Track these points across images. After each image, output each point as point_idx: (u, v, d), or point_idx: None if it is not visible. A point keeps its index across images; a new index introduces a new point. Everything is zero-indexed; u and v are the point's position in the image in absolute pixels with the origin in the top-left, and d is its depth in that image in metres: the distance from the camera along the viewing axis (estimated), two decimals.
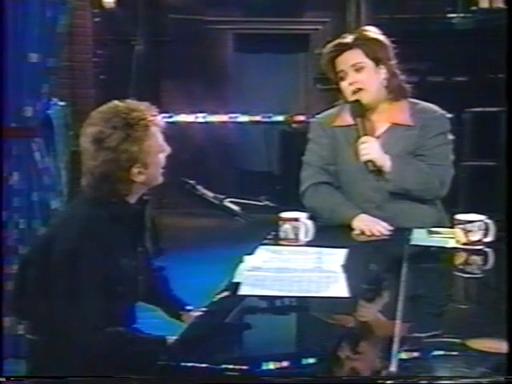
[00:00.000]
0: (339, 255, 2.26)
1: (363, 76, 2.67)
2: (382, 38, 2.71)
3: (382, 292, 2.16)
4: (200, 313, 2.06)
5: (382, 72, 2.69)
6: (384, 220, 2.63)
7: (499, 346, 1.55)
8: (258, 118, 7.18)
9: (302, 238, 2.46)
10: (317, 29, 8.32)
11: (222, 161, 8.24)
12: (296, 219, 2.47)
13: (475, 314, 1.93)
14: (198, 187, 2.90)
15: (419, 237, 2.51)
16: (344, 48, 2.68)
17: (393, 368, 1.47)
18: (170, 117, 6.67)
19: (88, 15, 5.90)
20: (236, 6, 8.27)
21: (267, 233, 2.56)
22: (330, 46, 2.73)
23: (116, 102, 2.12)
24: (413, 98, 2.77)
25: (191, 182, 2.92)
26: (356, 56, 2.67)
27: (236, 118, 7.13)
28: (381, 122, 2.72)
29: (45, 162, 3.63)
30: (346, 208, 2.69)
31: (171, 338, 1.91)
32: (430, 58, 6.98)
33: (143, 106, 2.12)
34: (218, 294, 1.98)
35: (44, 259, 2.02)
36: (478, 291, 2.21)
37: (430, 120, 2.71)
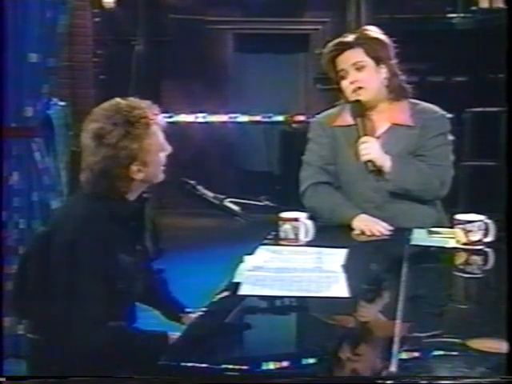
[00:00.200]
0: (339, 255, 2.26)
1: (364, 75, 2.67)
2: (383, 37, 2.71)
3: (382, 292, 2.16)
4: (200, 313, 2.06)
5: (383, 71, 2.69)
6: (384, 220, 2.63)
7: (499, 345, 1.55)
8: (258, 118, 7.16)
9: (302, 237, 2.46)
10: (317, 29, 8.32)
11: (222, 161, 8.23)
12: (296, 219, 2.47)
13: (475, 314, 1.93)
14: (198, 187, 2.90)
15: (419, 237, 2.51)
16: (345, 47, 2.68)
17: (393, 368, 1.48)
18: (170, 117, 6.66)
19: (88, 15, 5.91)
20: (236, 6, 8.26)
21: (267, 233, 2.56)
22: (330, 45, 2.73)
23: (118, 100, 2.12)
24: (413, 98, 2.77)
25: (191, 182, 2.91)
26: (357, 55, 2.67)
27: (236, 118, 7.12)
28: (381, 122, 2.72)
29: (45, 161, 3.63)
30: (346, 208, 2.69)
31: (173, 334, 1.92)
32: (430, 58, 6.96)
33: (145, 104, 2.12)
34: (217, 294, 1.98)
35: (43, 254, 2.02)
36: (478, 291, 2.21)
37: (430, 120, 2.71)
